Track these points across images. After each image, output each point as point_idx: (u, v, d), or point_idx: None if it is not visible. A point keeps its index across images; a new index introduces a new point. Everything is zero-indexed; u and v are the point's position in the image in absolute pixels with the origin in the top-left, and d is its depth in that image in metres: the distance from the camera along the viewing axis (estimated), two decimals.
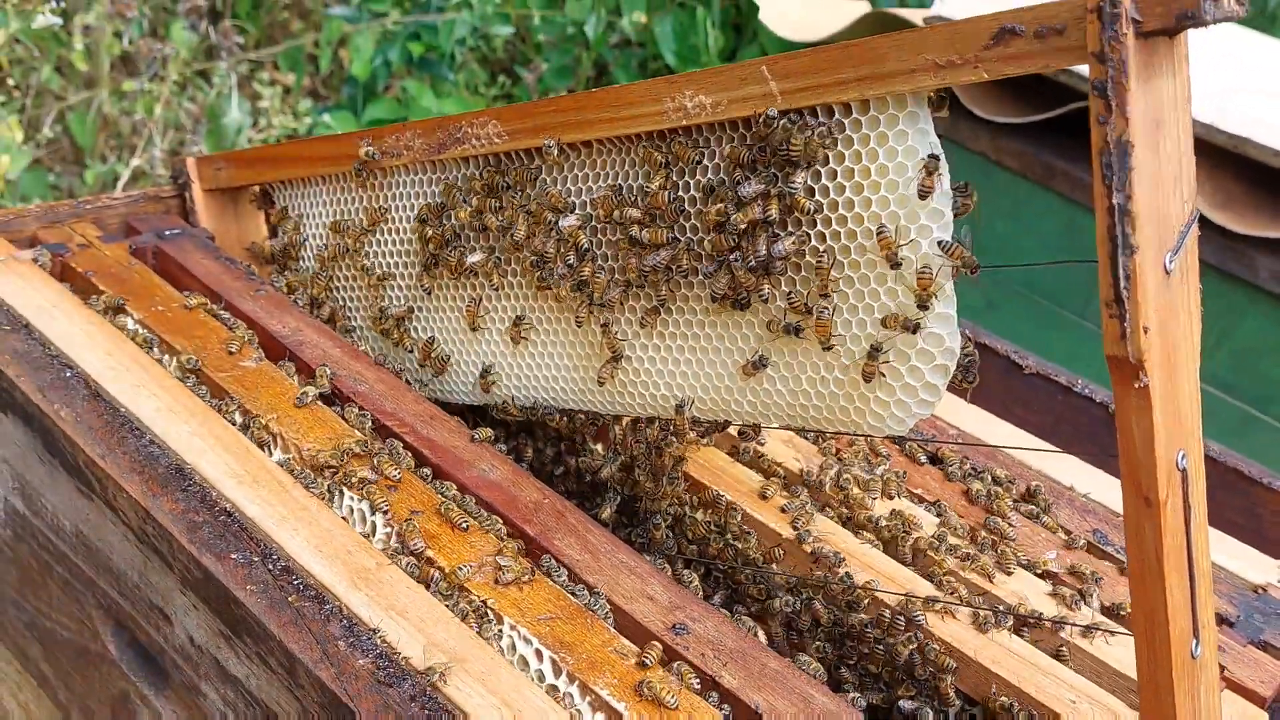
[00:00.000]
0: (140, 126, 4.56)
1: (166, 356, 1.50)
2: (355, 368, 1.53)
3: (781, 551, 1.41)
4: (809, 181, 1.11)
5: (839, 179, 1.09)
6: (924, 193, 1.02)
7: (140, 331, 1.55)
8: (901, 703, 1.31)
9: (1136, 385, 0.90)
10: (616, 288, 1.29)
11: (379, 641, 1.09)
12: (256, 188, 1.84)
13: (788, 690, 1.15)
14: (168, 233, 1.80)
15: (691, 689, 1.11)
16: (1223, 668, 1.32)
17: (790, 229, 1.13)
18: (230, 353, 1.50)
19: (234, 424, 1.38)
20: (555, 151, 1.31)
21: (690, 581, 1.35)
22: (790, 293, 1.15)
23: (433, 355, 1.53)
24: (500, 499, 1.33)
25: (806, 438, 1.63)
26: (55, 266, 1.67)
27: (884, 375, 1.11)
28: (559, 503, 1.34)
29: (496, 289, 1.44)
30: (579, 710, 1.11)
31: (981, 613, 1.31)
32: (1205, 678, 0.98)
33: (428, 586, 1.19)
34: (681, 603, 1.23)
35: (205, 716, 1.21)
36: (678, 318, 1.27)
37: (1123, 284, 0.88)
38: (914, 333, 1.07)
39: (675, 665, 1.13)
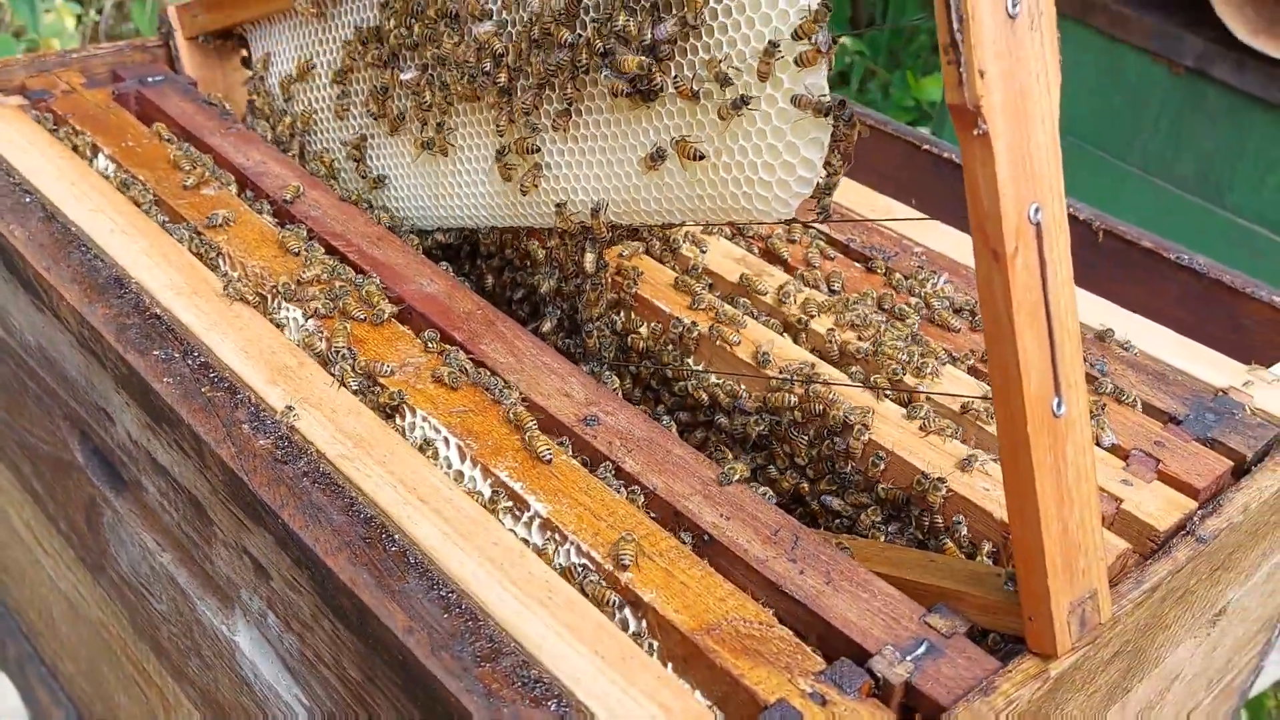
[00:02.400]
0: None
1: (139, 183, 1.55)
2: (313, 195, 1.57)
3: (695, 350, 1.43)
4: None
5: None
6: None
7: (109, 165, 1.61)
8: (826, 499, 1.32)
9: (975, 133, 0.88)
10: (529, 91, 1.29)
11: (284, 427, 1.14)
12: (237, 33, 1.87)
13: (688, 474, 1.17)
14: (150, 80, 1.85)
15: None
16: (1159, 460, 1.30)
17: (673, 10, 1.12)
18: (184, 177, 1.55)
19: (185, 244, 1.44)
20: None
21: (612, 384, 1.37)
22: (676, 77, 1.14)
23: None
24: (434, 310, 1.37)
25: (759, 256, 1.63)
26: (38, 111, 1.73)
27: (764, 156, 1.10)
28: (491, 313, 1.37)
29: (430, 107, 1.45)
30: (480, 491, 1.15)
31: (909, 410, 1.31)
32: (1074, 437, 0.97)
33: (344, 383, 1.24)
34: (597, 399, 1.26)
35: (150, 510, 1.29)
36: (587, 118, 1.27)
37: (955, 26, 0.85)
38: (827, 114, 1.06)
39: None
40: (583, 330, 1.43)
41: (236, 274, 1.39)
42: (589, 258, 1.33)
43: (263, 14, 1.74)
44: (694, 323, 1.44)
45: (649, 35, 1.12)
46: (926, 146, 1.94)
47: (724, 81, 1.09)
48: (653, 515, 1.13)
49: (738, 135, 1.12)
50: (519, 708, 0.90)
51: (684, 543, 1.10)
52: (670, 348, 1.45)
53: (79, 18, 4.57)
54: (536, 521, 1.11)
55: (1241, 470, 1.31)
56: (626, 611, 1.04)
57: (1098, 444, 1.31)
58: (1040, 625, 0.99)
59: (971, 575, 1.10)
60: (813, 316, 1.46)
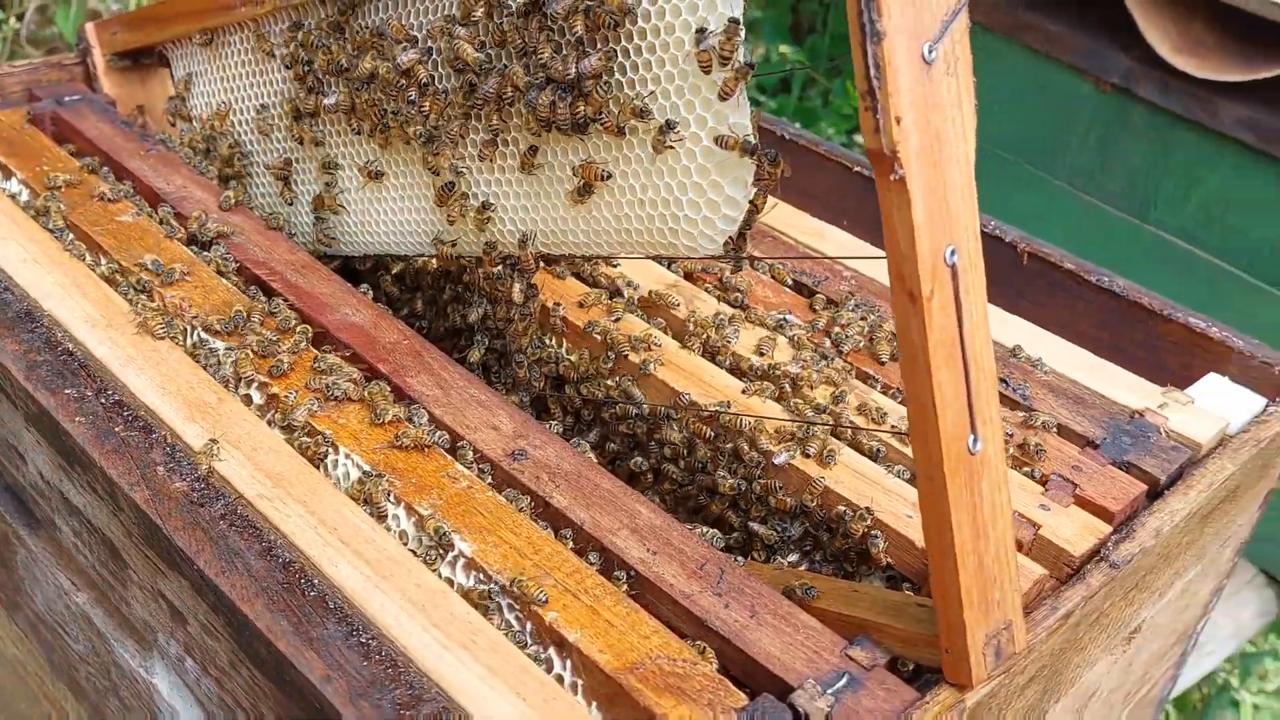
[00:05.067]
0: None
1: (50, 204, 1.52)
2: (234, 220, 1.55)
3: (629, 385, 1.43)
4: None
5: None
6: None
7: (22, 190, 1.57)
8: (752, 524, 1.33)
9: (893, 178, 0.88)
10: (455, 120, 1.28)
11: (202, 467, 1.12)
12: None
13: (616, 508, 1.17)
14: (67, 99, 1.81)
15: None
16: (1076, 485, 1.33)
17: (598, 44, 1.12)
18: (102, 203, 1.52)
19: (102, 275, 1.41)
20: None
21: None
22: (603, 112, 1.14)
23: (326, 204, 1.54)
24: (358, 340, 1.35)
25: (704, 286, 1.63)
26: None
27: (690, 193, 1.10)
28: (417, 343, 1.36)
29: (358, 133, 1.44)
30: (405, 530, 1.14)
31: (816, 435, 1.32)
32: (989, 473, 0.98)
33: (273, 421, 1.22)
34: (525, 431, 1.25)
35: (65, 550, 1.26)
36: (513, 149, 1.27)
37: (873, 73, 0.86)
38: (751, 154, 1.06)
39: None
40: (512, 361, 1.43)
41: (155, 304, 1.36)
42: (516, 288, 1.32)
43: (184, 34, 1.71)
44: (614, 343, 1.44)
45: (573, 70, 1.12)
46: (859, 169, 1.96)
47: (643, 115, 1.09)
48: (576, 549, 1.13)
49: (663, 172, 1.12)
50: None
51: (617, 579, 1.10)
52: (600, 376, 1.45)
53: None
54: (461, 561, 1.10)
55: (1155, 493, 1.34)
56: (551, 652, 1.03)
57: (1031, 475, 1.33)
58: (956, 657, 1.00)
59: (893, 606, 1.11)
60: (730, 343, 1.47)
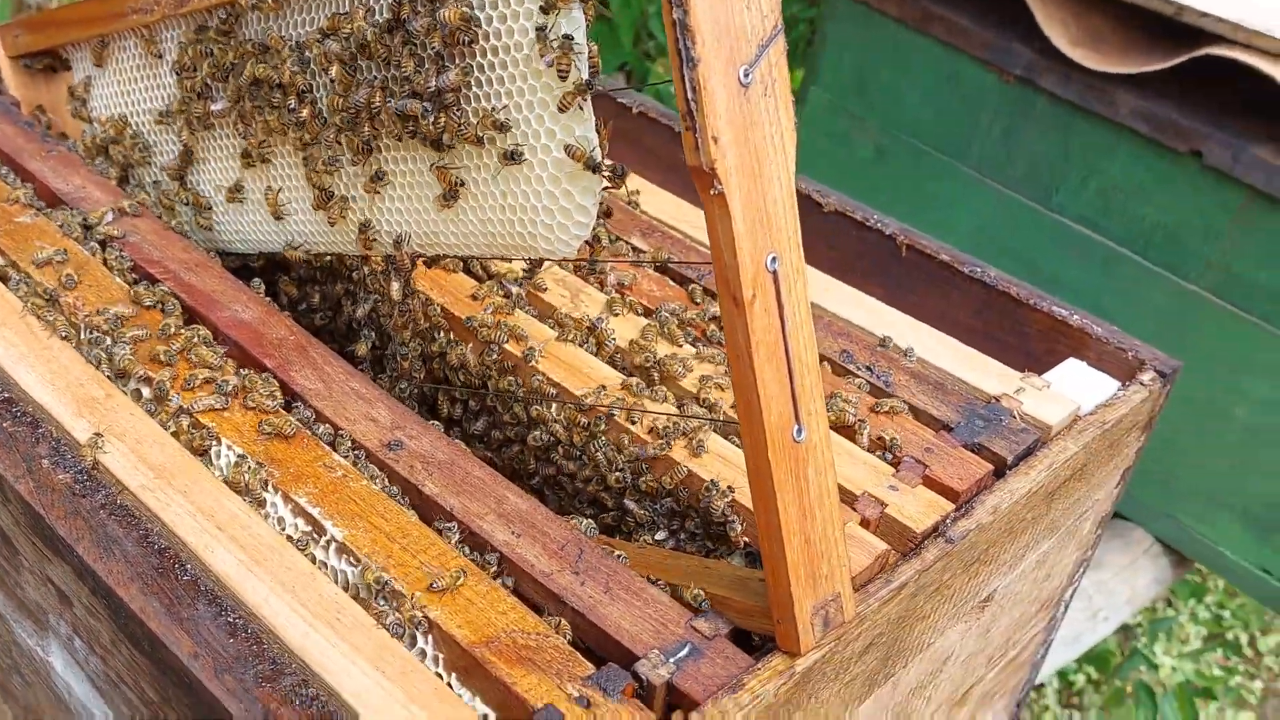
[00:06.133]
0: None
1: None
2: (131, 221, 1.60)
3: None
4: (465, 10, 1.15)
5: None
6: None
7: None
8: (626, 502, 1.41)
9: (713, 192, 0.96)
10: (330, 128, 1.34)
11: (86, 460, 1.18)
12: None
13: (485, 494, 1.25)
14: None
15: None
16: (926, 466, 1.42)
17: (455, 59, 1.19)
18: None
19: None
20: None
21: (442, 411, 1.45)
22: (462, 123, 1.21)
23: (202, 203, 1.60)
24: (246, 336, 1.41)
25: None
26: None
27: (544, 200, 1.18)
28: (304, 339, 1.43)
29: (243, 137, 1.50)
30: (281, 517, 1.21)
31: (677, 423, 1.40)
32: (815, 459, 1.07)
33: (159, 415, 1.28)
34: (403, 423, 1.33)
35: None
36: (386, 155, 1.33)
37: (690, 96, 0.94)
38: (595, 171, 1.14)
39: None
40: (397, 354, 1.50)
41: (47, 300, 1.42)
42: (394, 286, 1.39)
43: (85, 38, 1.75)
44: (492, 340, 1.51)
45: (433, 84, 1.19)
46: None
47: (503, 128, 1.16)
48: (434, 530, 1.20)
49: (520, 180, 1.19)
50: None
51: (486, 562, 1.18)
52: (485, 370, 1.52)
53: None
54: (333, 546, 1.17)
55: (1004, 473, 1.43)
56: (416, 629, 1.11)
57: (884, 457, 1.42)
58: (786, 627, 1.09)
59: (736, 580, 1.19)
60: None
